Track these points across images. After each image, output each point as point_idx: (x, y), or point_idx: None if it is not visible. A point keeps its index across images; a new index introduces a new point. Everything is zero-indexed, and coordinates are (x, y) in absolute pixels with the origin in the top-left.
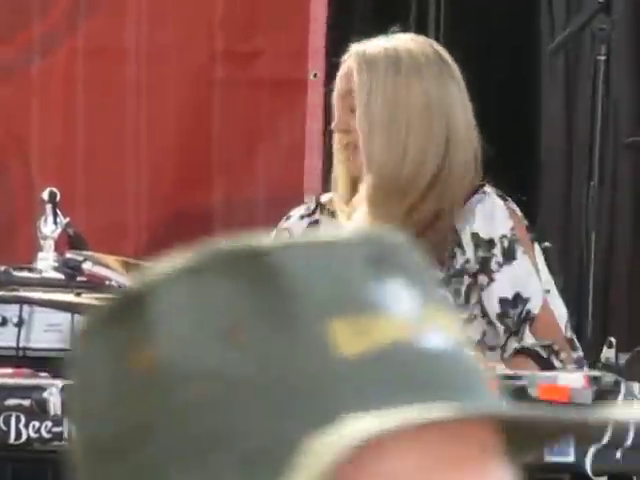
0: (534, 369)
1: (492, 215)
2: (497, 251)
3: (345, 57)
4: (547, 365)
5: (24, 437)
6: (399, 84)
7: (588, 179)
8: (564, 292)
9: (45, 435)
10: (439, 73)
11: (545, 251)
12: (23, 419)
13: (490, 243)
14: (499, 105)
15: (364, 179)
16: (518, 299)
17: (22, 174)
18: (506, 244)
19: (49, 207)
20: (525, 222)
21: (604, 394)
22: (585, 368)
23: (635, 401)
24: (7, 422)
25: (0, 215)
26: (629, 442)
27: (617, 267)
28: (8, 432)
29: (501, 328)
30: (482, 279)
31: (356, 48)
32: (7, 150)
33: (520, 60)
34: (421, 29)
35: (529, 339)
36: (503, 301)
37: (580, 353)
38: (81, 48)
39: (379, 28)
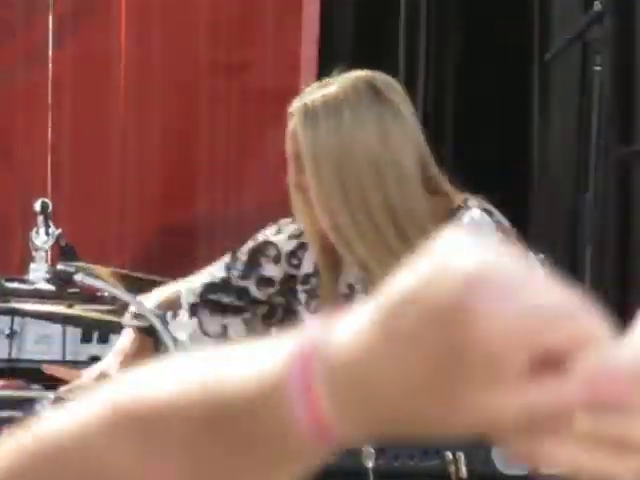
0: None
1: (476, 230)
2: None
3: (289, 115)
4: None
5: None
6: (342, 142)
7: (583, 191)
8: None
9: None
10: (380, 116)
11: (540, 263)
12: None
13: None
14: (493, 117)
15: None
16: None
17: (12, 185)
18: None
19: (41, 218)
20: (514, 232)
21: None
22: None
23: None
24: None
25: None
26: None
27: (611, 278)
28: None
29: None
30: None
31: (297, 105)
32: None
33: (514, 71)
34: (411, 37)
35: None
36: None
37: None
38: (69, 60)
39: (370, 38)
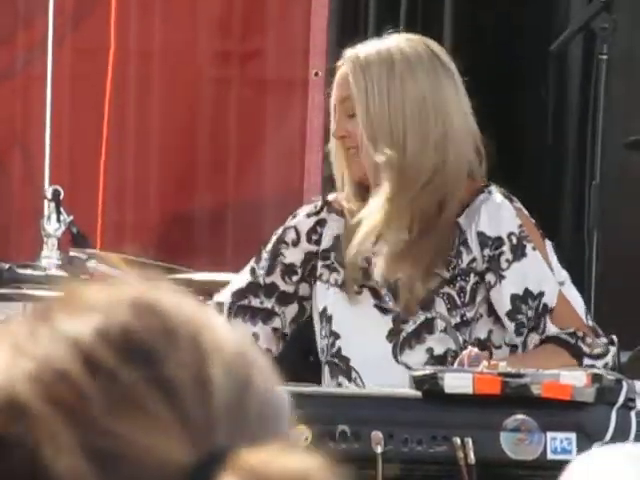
0: (564, 356)
1: (498, 214)
2: (506, 248)
3: (340, 62)
4: (576, 350)
5: None
6: (394, 87)
7: (590, 178)
8: None
9: None
10: (433, 72)
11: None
12: None
13: (498, 240)
14: (500, 104)
15: (370, 179)
16: (528, 295)
17: (24, 173)
18: (515, 241)
19: (52, 205)
20: (533, 220)
21: (606, 392)
22: (613, 350)
23: (636, 399)
24: None
25: (3, 214)
26: (631, 440)
27: (619, 266)
28: None
29: (511, 326)
30: (490, 277)
31: (350, 53)
32: (9, 149)
33: (520, 59)
34: (426, 27)
35: (552, 329)
36: (514, 298)
37: (604, 339)
38: (79, 48)
39: (381, 26)
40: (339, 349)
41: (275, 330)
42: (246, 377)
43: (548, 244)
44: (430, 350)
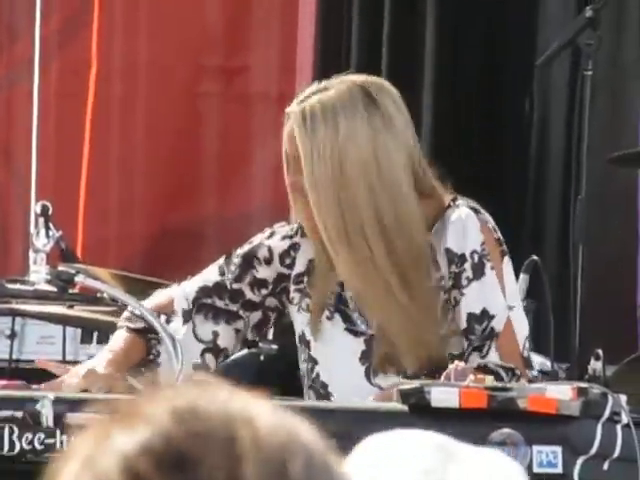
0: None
1: (464, 229)
2: (467, 266)
3: (287, 114)
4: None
5: (17, 449)
6: (339, 150)
7: (575, 193)
8: (552, 304)
9: (38, 447)
10: (373, 126)
11: (533, 264)
12: (16, 431)
13: (462, 258)
14: (487, 119)
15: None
16: (485, 315)
17: (11, 188)
18: (476, 259)
19: (41, 221)
20: (497, 234)
21: (591, 406)
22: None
23: (622, 413)
24: (0, 434)
25: None
26: (617, 453)
27: (605, 280)
28: (1, 444)
29: (465, 344)
30: (455, 294)
31: (295, 108)
32: None
33: (507, 75)
34: (410, 42)
35: (494, 357)
36: (470, 317)
37: (535, 372)
38: (71, 64)
39: (367, 41)
40: (317, 374)
41: (237, 331)
42: (283, 469)
43: (507, 262)
44: (403, 372)
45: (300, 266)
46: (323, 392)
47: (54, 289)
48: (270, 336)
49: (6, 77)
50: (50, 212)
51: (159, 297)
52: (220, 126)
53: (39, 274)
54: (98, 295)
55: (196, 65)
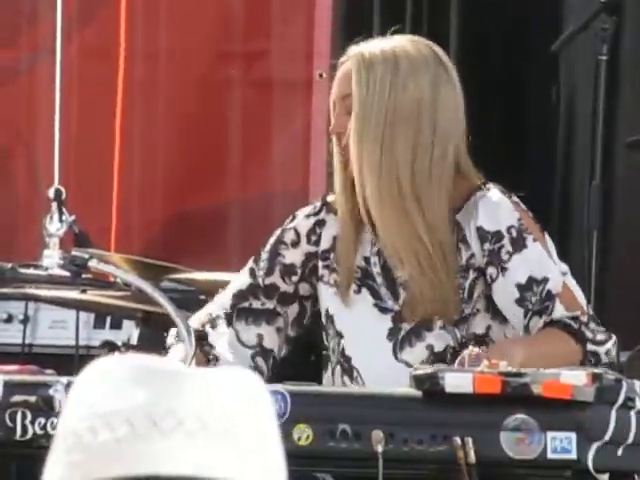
0: (569, 342)
1: (496, 208)
2: (506, 241)
3: (343, 59)
4: (580, 336)
5: (30, 434)
6: (395, 88)
7: (590, 178)
8: None
9: (51, 432)
10: (435, 75)
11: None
12: (29, 415)
13: (497, 234)
14: (500, 105)
15: (354, 173)
16: (533, 283)
17: (27, 173)
18: (515, 234)
19: (55, 205)
20: (531, 214)
21: (606, 392)
22: (614, 338)
23: (636, 399)
24: (13, 418)
25: (6, 213)
26: (631, 439)
27: (618, 266)
28: (14, 428)
29: (521, 311)
30: (491, 271)
31: (354, 50)
32: (12, 150)
33: (520, 59)
34: (432, 30)
35: (557, 313)
36: (520, 287)
37: (603, 328)
38: (85, 50)
39: (383, 28)
40: (343, 348)
41: (279, 330)
42: None
43: (547, 238)
44: (430, 347)
45: (326, 242)
46: (347, 366)
47: (67, 274)
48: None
49: (27, 60)
50: (63, 196)
51: (199, 318)
52: (236, 112)
53: (52, 259)
54: (111, 280)
55: (216, 50)
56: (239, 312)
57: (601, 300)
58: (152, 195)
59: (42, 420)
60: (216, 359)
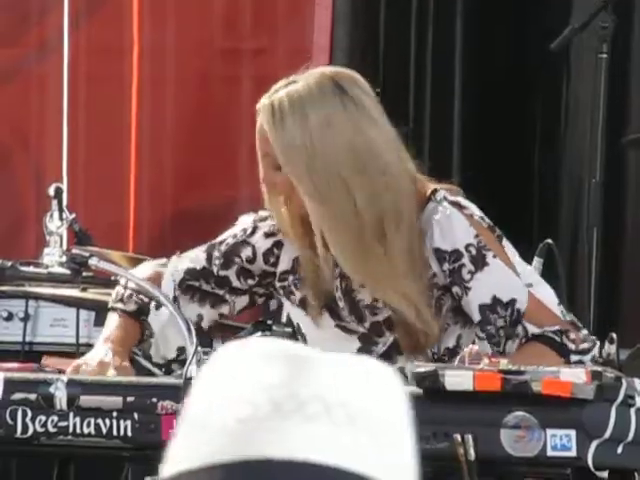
0: (552, 356)
1: (450, 226)
2: (466, 260)
3: (257, 112)
4: (562, 349)
5: (30, 431)
6: (312, 138)
7: (590, 176)
8: (567, 288)
9: (51, 429)
10: (347, 112)
11: (547, 248)
12: (29, 413)
13: (455, 253)
14: (502, 105)
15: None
16: (497, 303)
17: (28, 171)
18: (474, 252)
19: (55, 203)
20: (486, 222)
21: (605, 389)
22: (597, 343)
23: (636, 397)
24: (13, 416)
25: (7, 212)
26: (631, 437)
27: (619, 264)
28: (14, 426)
29: (483, 336)
30: (456, 290)
31: (263, 102)
32: (12, 148)
33: (520, 59)
34: (437, 28)
35: (534, 329)
36: (482, 308)
37: (585, 331)
38: (84, 47)
39: (382, 26)
40: None
41: (222, 315)
42: None
43: (506, 245)
44: (401, 369)
45: (284, 264)
46: None
47: (67, 272)
48: (283, 319)
49: (34, 57)
50: (63, 194)
51: (147, 269)
52: (237, 109)
53: (52, 257)
54: (112, 278)
55: (213, 48)
56: (187, 287)
57: (600, 298)
58: (157, 192)
59: (42, 418)
60: (151, 335)
